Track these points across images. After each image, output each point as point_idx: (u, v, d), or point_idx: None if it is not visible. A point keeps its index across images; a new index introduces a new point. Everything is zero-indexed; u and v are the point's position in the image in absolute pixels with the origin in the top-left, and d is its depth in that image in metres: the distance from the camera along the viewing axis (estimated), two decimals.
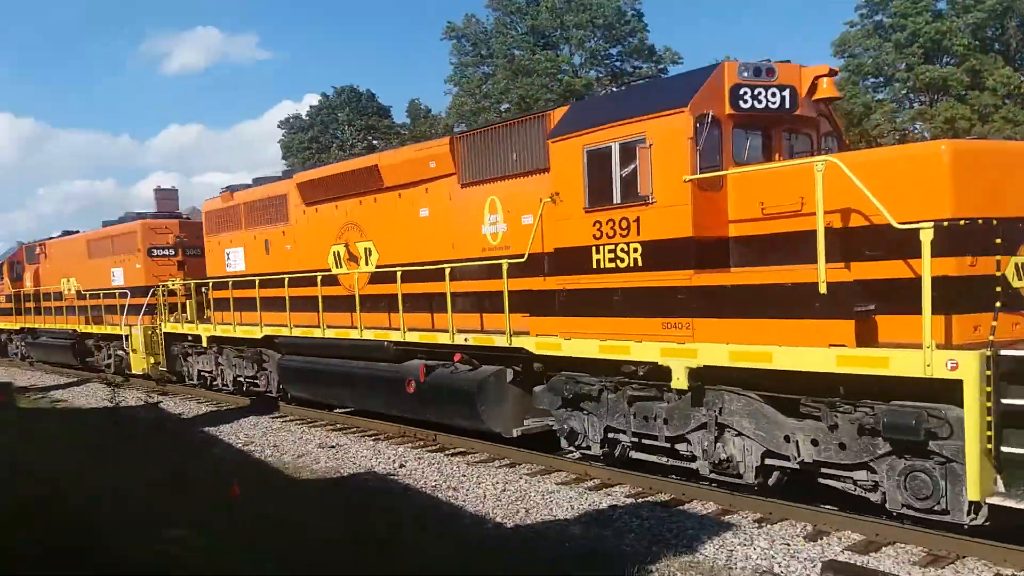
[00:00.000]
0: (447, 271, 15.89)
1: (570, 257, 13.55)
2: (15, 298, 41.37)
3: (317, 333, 19.56)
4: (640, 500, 12.81)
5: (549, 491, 13.48)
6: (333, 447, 17.26)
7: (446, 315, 15.86)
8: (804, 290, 11.07)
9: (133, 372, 29.15)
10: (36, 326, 38.62)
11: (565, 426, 14.26)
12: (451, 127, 58.25)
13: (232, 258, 24.23)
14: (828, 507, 11.82)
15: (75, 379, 30.43)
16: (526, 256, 14.26)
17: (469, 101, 59.55)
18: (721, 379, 12.15)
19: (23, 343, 40.59)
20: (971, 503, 10.19)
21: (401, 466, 15.58)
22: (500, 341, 14.74)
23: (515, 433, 15.33)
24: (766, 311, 11.42)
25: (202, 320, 25.81)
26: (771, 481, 12.20)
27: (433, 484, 14.27)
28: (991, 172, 10.62)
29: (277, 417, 20.98)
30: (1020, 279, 10.52)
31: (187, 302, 27.74)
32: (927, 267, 10.20)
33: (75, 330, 34.17)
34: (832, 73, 12.88)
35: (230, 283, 23.17)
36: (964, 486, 10.19)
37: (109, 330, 31.09)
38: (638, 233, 12.75)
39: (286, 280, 20.72)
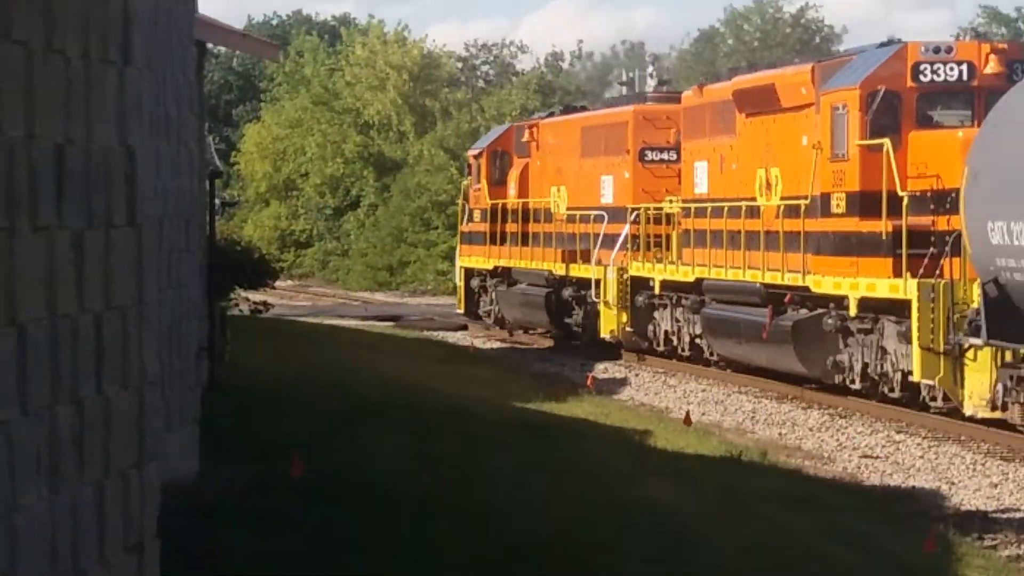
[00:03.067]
0: None
1: None
2: (491, 215, 38.89)
3: (718, 276, 28.46)
4: None
5: None
6: None
7: None
8: None
9: (602, 335, 31.64)
10: (513, 264, 37.64)
11: None
12: None
13: (698, 175, 29.24)
14: None
15: None
16: None
17: None
18: None
19: (495, 293, 39.26)
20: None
21: None
22: None
23: None
24: None
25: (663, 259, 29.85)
26: None
27: None
28: None
29: None
30: None
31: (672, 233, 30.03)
32: None
33: (551, 272, 34.98)
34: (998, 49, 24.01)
35: (679, 214, 30.35)
36: None
37: (581, 272, 32.88)
38: None
39: (690, 211, 29.74)
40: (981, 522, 17.67)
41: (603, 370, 32.62)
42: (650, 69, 60.99)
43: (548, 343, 38.62)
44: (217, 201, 29.23)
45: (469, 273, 41.25)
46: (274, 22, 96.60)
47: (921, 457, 22.09)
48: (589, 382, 29.19)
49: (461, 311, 42.77)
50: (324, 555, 10.05)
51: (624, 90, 45.70)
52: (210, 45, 21.75)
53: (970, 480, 20.31)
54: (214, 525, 10.48)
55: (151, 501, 5.85)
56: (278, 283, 50.52)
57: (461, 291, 42.28)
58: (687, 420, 24.33)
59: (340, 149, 73.22)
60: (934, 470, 21.06)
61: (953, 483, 20.08)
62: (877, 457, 22.30)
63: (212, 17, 20.02)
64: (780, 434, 24.64)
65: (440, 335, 41.33)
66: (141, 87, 5.71)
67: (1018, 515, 18.25)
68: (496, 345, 39.80)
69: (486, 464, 15.10)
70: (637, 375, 32.28)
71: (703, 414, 26.65)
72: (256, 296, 42.91)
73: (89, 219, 5.18)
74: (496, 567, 10.14)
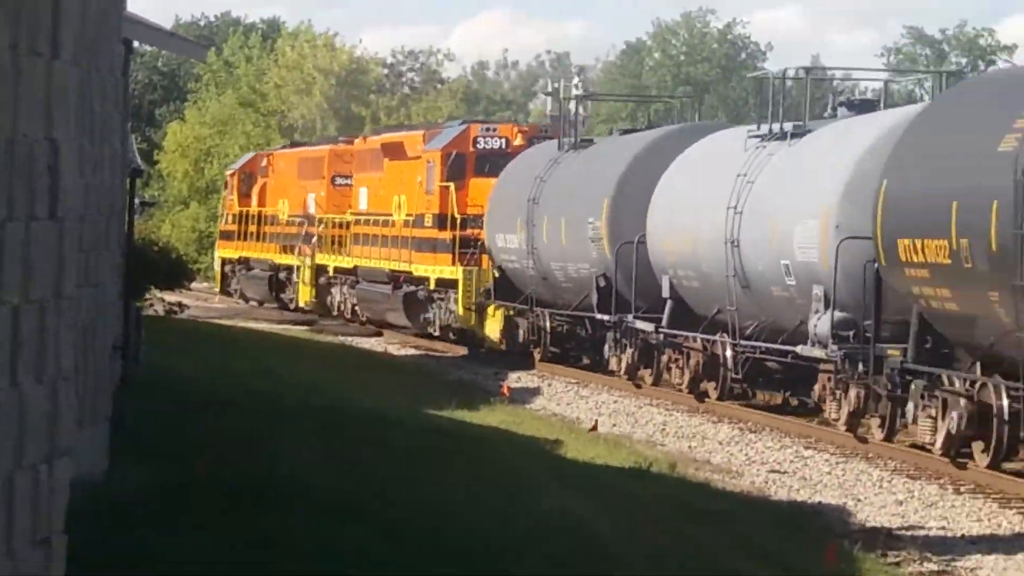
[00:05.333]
0: None
1: None
2: (239, 219, 52.65)
3: (366, 264, 43.20)
4: None
5: None
6: None
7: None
8: None
9: (299, 305, 46.49)
10: (250, 255, 51.56)
11: None
12: None
13: (362, 197, 44.50)
14: None
15: None
16: None
17: None
18: None
19: (239, 276, 52.63)
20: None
21: None
22: None
23: None
24: None
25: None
26: None
27: None
28: None
29: None
30: None
31: (345, 235, 44.54)
32: None
33: (272, 260, 49.33)
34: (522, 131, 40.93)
35: (349, 222, 44.84)
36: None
37: (289, 260, 47.31)
38: None
39: (355, 221, 44.94)
40: (886, 539, 17.75)
41: (516, 379, 33.06)
42: (575, 80, 61.15)
43: (463, 351, 40.07)
44: (136, 200, 29.14)
45: (224, 262, 55.70)
46: (202, 23, 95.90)
47: (828, 473, 22.27)
48: (505, 390, 29.64)
49: (218, 290, 57.10)
50: (240, 555, 9.98)
51: (549, 100, 52.20)
52: (136, 43, 21.54)
53: (876, 497, 20.44)
54: (124, 524, 10.39)
55: (60, 496, 5.79)
56: (194, 285, 53.78)
57: (218, 275, 56.93)
58: (594, 427, 25.17)
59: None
60: (841, 486, 21.23)
61: (859, 499, 20.23)
62: (785, 472, 22.43)
63: (139, 15, 19.80)
64: (690, 447, 24.73)
65: (354, 341, 41.93)
66: (68, 81, 5.66)
67: (922, 532, 18.37)
68: (411, 352, 41.08)
69: (400, 470, 15.06)
70: (550, 385, 32.72)
71: (614, 425, 26.71)
72: (171, 297, 42.66)
73: (11, 211, 5.12)
74: (408, 570, 10.12)
